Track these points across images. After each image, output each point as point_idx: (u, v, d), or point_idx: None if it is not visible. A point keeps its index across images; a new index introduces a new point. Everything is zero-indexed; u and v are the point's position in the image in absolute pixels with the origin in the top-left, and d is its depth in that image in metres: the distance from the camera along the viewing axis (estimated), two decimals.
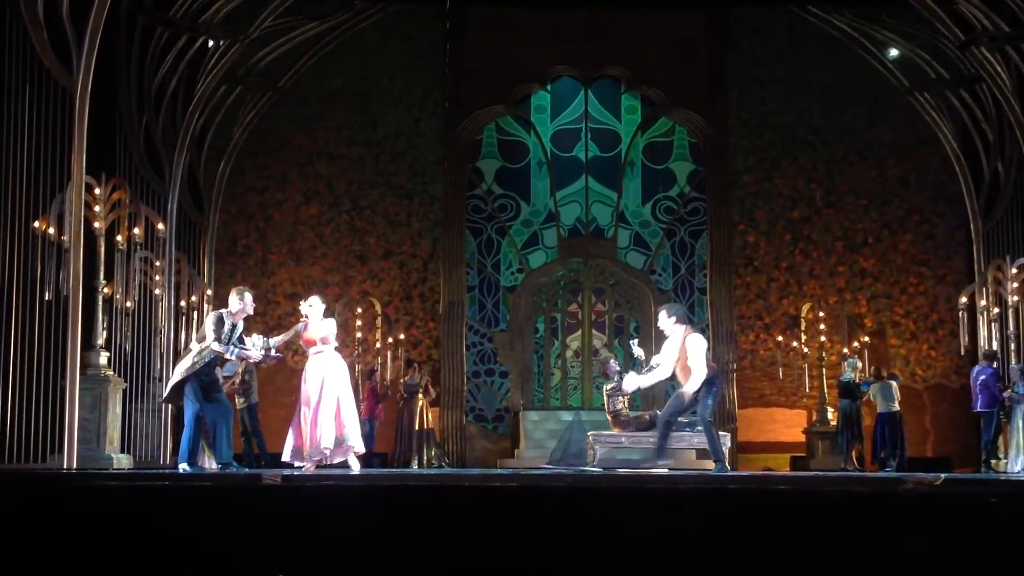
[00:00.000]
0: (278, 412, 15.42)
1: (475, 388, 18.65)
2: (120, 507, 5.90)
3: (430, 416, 16.45)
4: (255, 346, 9.36)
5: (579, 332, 18.98)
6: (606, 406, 11.78)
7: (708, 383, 9.66)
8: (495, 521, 5.85)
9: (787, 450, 17.80)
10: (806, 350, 17.95)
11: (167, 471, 10.52)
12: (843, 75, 18.60)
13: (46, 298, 11.19)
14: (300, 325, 9.71)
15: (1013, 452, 13.62)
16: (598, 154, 19.25)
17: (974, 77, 16.78)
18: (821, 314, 18.09)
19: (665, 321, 9.93)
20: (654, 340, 16.29)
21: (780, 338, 18.23)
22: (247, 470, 9.81)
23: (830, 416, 17.07)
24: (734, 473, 10.05)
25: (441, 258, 18.52)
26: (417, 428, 16.08)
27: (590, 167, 19.21)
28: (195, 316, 15.79)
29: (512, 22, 18.57)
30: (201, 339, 9.35)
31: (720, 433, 10.27)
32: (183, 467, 9.11)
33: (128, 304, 13.26)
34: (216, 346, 9.13)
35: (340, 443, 9.44)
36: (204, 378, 9.24)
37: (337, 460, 9.55)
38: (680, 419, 10.27)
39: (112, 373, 12.30)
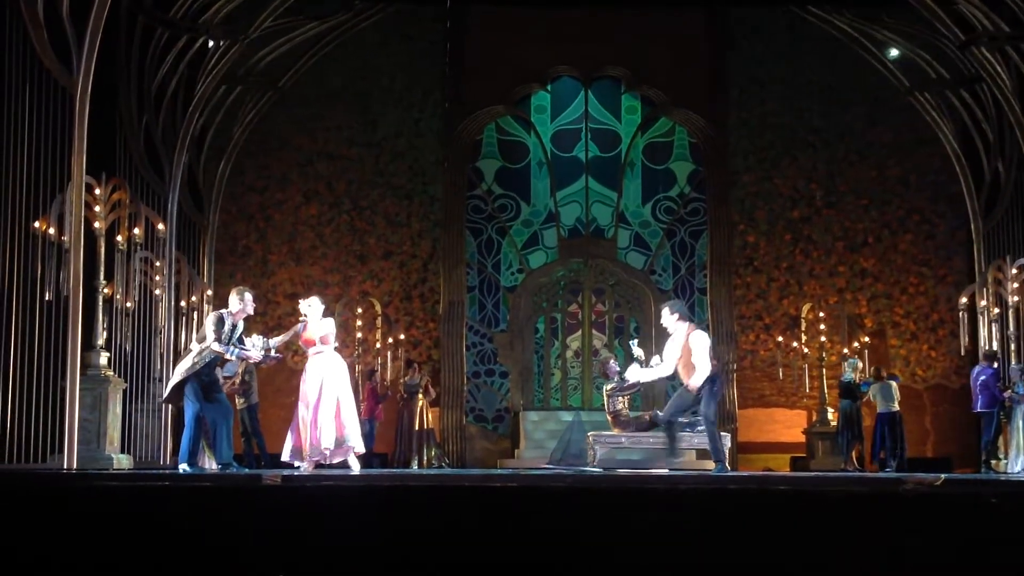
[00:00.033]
0: (278, 412, 15.40)
1: (475, 388, 18.64)
2: (120, 507, 5.90)
3: (430, 416, 16.45)
4: (255, 346, 9.36)
5: (579, 332, 18.97)
6: (606, 406, 11.77)
7: (709, 381, 9.63)
8: (495, 521, 5.84)
9: (787, 450, 17.79)
10: (806, 350, 17.94)
11: (167, 471, 10.51)
12: (843, 75, 18.60)
13: (46, 298, 11.18)
14: (299, 325, 9.73)
15: (1013, 452, 13.62)
16: (598, 154, 19.24)
17: (974, 77, 16.79)
18: (821, 314, 18.08)
19: (668, 318, 9.91)
20: (654, 340, 16.32)
21: (780, 338, 18.22)
22: (247, 470, 9.81)
23: (830, 416, 17.05)
24: (734, 473, 10.05)
25: (441, 258, 18.51)
26: (417, 428, 16.08)
27: (590, 167, 19.20)
28: (195, 316, 15.80)
29: (512, 22, 18.57)
30: (201, 339, 9.35)
31: (720, 433, 10.25)
32: (183, 467, 9.12)
33: (128, 304, 13.26)
34: (216, 346, 9.13)
35: (340, 443, 9.46)
36: (204, 378, 9.24)
37: (337, 460, 9.56)
38: (680, 419, 10.26)
39: (112, 373, 12.30)
